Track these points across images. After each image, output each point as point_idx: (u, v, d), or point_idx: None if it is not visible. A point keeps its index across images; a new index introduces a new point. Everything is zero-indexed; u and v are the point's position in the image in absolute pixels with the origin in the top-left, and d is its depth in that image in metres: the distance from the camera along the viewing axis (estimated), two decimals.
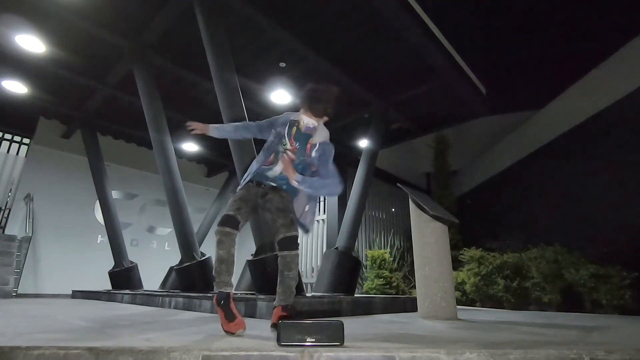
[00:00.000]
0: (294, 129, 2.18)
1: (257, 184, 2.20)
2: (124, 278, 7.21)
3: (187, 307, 3.99)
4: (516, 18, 10.55)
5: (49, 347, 1.30)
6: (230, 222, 2.02)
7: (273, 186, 2.20)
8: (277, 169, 2.18)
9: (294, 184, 2.10)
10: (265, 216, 2.20)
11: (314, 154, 2.17)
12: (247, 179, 2.21)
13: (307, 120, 2.14)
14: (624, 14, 7.60)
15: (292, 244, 2.08)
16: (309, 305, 3.19)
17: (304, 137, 2.18)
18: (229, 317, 1.90)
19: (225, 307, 1.92)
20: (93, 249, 9.01)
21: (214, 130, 2.43)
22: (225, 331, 1.90)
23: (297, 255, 2.12)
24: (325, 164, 2.17)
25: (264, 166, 2.21)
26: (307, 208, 2.31)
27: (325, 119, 2.19)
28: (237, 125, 2.50)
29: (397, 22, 5.34)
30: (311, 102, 2.12)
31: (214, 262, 2.03)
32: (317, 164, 2.19)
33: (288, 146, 2.18)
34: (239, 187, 2.27)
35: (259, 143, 2.50)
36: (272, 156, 2.22)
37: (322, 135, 2.20)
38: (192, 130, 2.40)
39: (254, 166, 2.23)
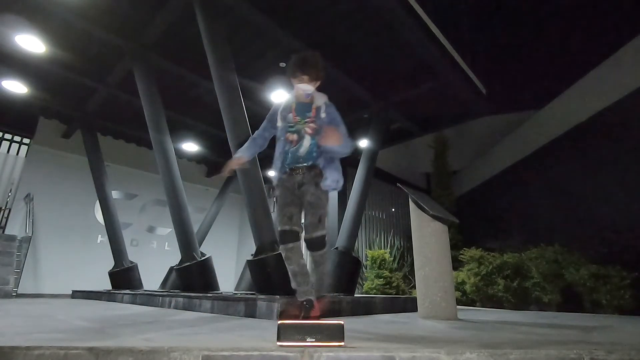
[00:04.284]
0: (292, 105, 2.21)
1: (291, 172, 2.15)
2: (124, 278, 7.20)
3: (187, 307, 3.99)
4: (516, 18, 10.56)
5: (49, 347, 1.30)
6: (289, 237, 2.07)
7: (308, 166, 2.15)
8: (305, 143, 2.15)
9: (331, 142, 2.05)
10: (304, 208, 2.18)
11: (322, 115, 2.18)
12: (280, 173, 2.18)
13: (304, 87, 2.16)
14: (623, 14, 7.60)
15: (316, 245, 2.08)
16: None
17: (305, 106, 2.20)
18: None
19: (307, 313, 2.02)
20: (93, 249, 9.01)
21: (239, 158, 2.40)
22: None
23: (325, 254, 2.13)
24: (337, 126, 2.19)
25: (291, 149, 2.16)
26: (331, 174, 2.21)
27: (317, 83, 2.21)
28: (248, 143, 2.44)
29: (397, 23, 5.34)
30: (305, 68, 2.14)
31: (290, 276, 2.10)
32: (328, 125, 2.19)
33: (291, 120, 2.17)
34: (275, 184, 2.24)
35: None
36: (294, 136, 2.16)
37: (322, 98, 2.23)
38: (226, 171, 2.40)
39: (278, 159, 2.19)
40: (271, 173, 2.31)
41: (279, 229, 2.11)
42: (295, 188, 2.14)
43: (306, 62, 2.14)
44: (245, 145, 2.42)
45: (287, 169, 2.16)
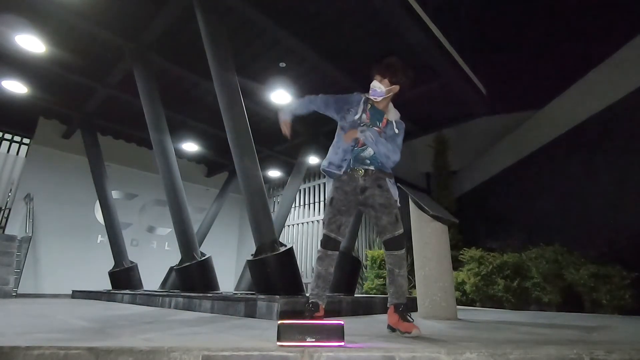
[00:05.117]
0: (369, 105, 2.23)
1: (352, 173, 2.11)
2: (124, 278, 7.21)
3: (187, 307, 3.99)
4: (516, 18, 10.56)
5: (49, 347, 1.30)
6: (331, 245, 2.07)
7: (372, 170, 2.13)
8: (370, 149, 2.14)
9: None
10: (368, 212, 2.14)
11: (395, 130, 2.21)
12: (342, 170, 2.12)
13: (373, 84, 2.20)
14: (623, 14, 7.60)
15: (399, 243, 2.07)
16: None
17: (379, 113, 2.22)
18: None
19: (310, 314, 2.03)
20: (93, 249, 9.01)
21: (287, 114, 2.36)
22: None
23: (405, 254, 2.11)
24: (394, 139, 2.22)
25: (357, 149, 2.13)
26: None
27: (392, 88, 2.22)
28: (302, 100, 2.40)
29: (397, 22, 5.33)
30: (379, 67, 2.22)
31: (313, 276, 2.12)
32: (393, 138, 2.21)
33: (364, 120, 2.18)
34: (333, 185, 2.16)
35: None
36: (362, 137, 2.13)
37: (395, 113, 2.27)
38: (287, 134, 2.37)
39: (339, 154, 2.14)
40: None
41: (325, 232, 2.09)
42: (358, 192, 2.10)
43: (384, 63, 2.20)
44: (299, 102, 2.37)
45: (349, 170, 2.12)
